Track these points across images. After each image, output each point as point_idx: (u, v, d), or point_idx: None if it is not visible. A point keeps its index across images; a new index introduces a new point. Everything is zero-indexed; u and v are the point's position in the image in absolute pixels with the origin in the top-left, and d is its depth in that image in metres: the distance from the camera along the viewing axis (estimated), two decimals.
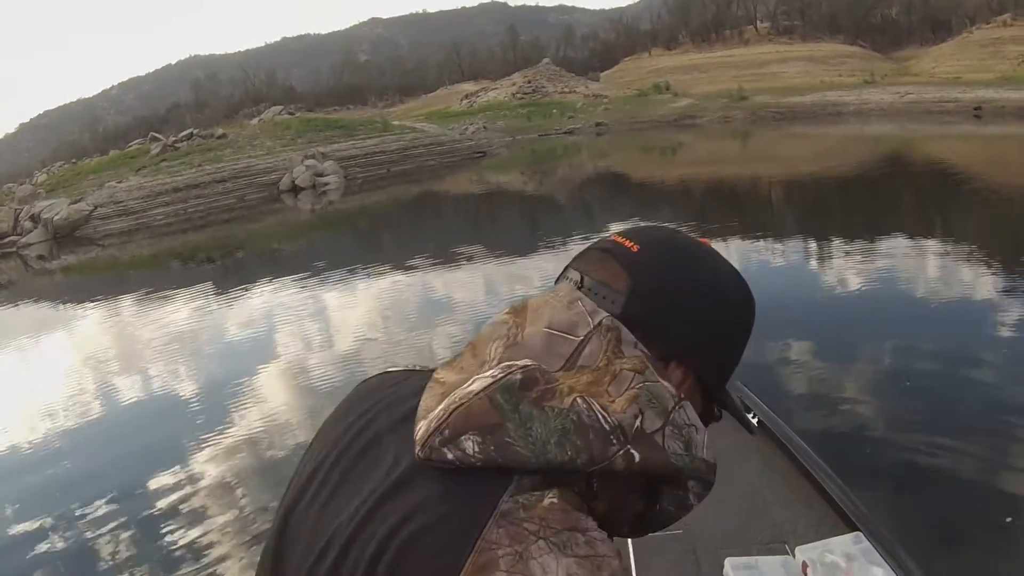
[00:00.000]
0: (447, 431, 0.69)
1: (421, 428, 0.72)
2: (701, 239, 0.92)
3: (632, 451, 0.71)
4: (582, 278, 0.84)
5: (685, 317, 0.83)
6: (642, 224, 0.97)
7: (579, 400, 0.71)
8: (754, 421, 3.44)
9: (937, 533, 3.95)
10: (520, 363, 0.74)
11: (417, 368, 0.94)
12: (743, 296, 0.90)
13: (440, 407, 0.72)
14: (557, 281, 0.91)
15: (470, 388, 0.72)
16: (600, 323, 0.79)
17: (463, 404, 0.71)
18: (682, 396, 0.77)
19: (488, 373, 0.74)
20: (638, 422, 0.72)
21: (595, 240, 0.92)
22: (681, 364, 0.83)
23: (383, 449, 0.78)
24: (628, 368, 0.76)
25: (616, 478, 0.73)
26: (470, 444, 0.68)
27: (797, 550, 2.24)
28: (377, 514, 0.71)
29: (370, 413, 0.85)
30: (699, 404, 0.84)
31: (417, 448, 0.71)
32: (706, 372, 0.85)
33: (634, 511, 0.82)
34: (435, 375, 0.82)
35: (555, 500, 0.68)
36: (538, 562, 0.64)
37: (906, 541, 2.39)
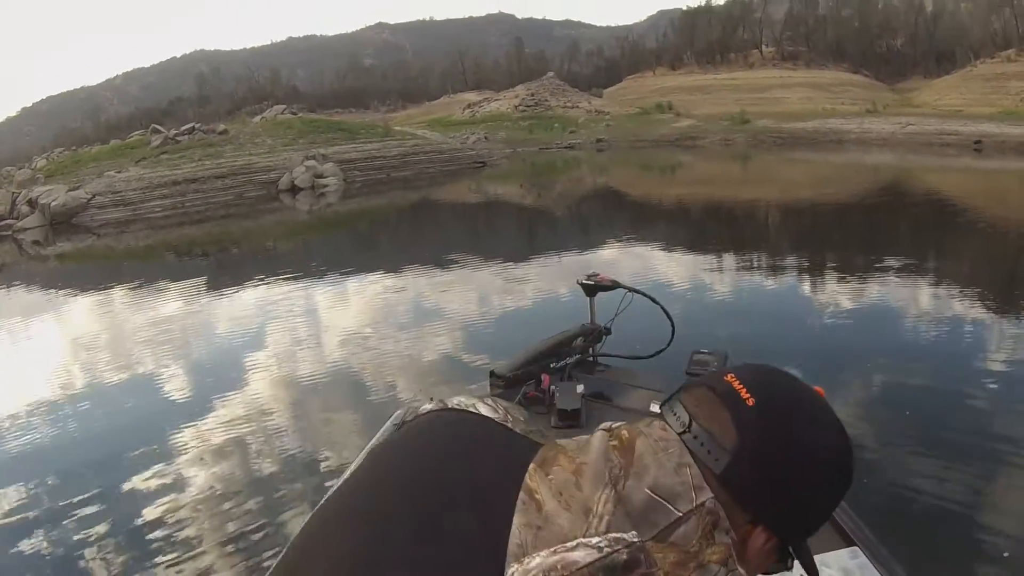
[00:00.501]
0: None
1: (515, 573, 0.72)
2: (816, 388, 0.90)
3: None
4: (691, 422, 0.85)
5: (782, 488, 0.82)
6: (759, 365, 0.94)
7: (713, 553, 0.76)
8: None
9: (933, 550, 3.95)
10: (627, 539, 0.74)
11: (470, 410, 0.97)
12: (842, 462, 0.86)
13: (537, 561, 0.71)
14: (662, 407, 0.94)
15: (574, 556, 0.71)
16: (703, 504, 0.79)
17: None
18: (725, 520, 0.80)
19: (594, 542, 0.73)
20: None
21: (709, 374, 0.91)
22: (767, 529, 0.83)
23: (461, 532, 0.78)
24: (716, 560, 0.77)
25: None
26: None
27: (794, 564, 2.23)
28: None
29: (445, 472, 0.86)
30: (773, 553, 0.87)
31: None
32: (791, 535, 0.86)
33: None
34: (528, 482, 0.81)
35: None
36: None
37: (903, 557, 2.38)
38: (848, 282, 10.88)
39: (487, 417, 0.97)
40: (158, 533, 4.91)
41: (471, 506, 0.80)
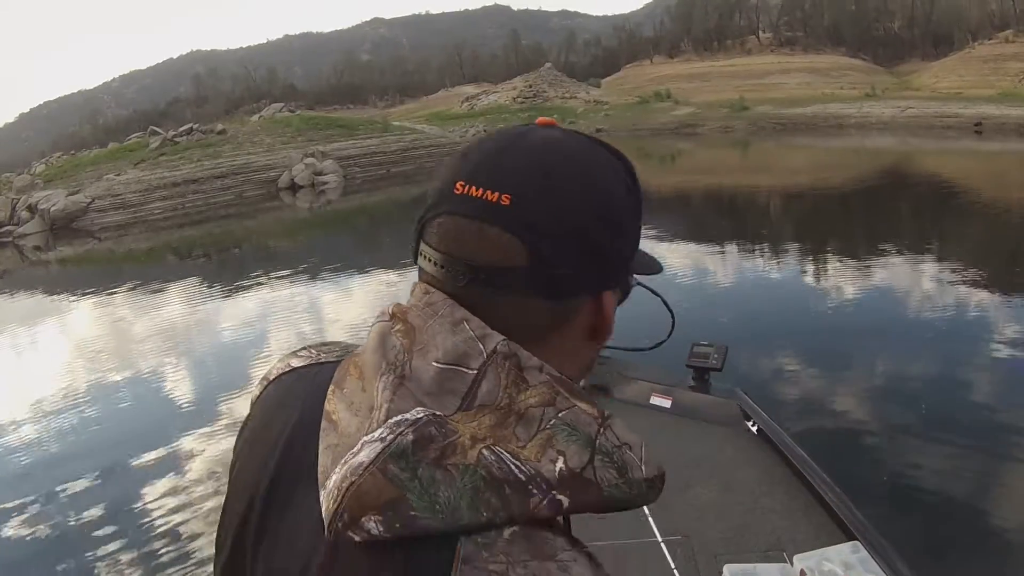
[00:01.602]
0: (345, 515, 0.61)
1: (324, 504, 0.63)
2: (543, 123, 0.79)
3: (559, 496, 0.63)
4: (468, 269, 0.70)
5: (587, 239, 0.70)
6: (483, 143, 0.78)
7: (485, 452, 0.63)
8: (753, 429, 3.45)
9: (934, 544, 3.94)
10: (410, 417, 0.64)
11: (322, 357, 0.87)
12: (620, 177, 0.75)
13: (334, 479, 0.63)
14: (417, 261, 0.78)
15: (359, 458, 0.63)
16: (495, 350, 0.68)
17: (354, 483, 0.61)
18: (606, 415, 0.68)
19: (376, 435, 0.63)
20: (561, 464, 0.64)
21: (431, 196, 0.76)
22: (603, 290, 0.74)
23: (305, 507, 0.70)
24: (535, 403, 0.66)
25: None
26: (373, 525, 0.60)
27: (795, 558, 2.22)
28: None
29: (289, 440, 0.77)
30: (615, 301, 0.77)
31: (326, 531, 0.62)
32: (622, 283, 0.78)
33: None
34: (327, 405, 0.73)
35: (516, 529, 0.62)
36: None
37: (903, 551, 2.38)
38: (850, 271, 10.86)
39: (295, 368, 0.88)
40: (161, 532, 4.92)
41: (309, 477, 0.69)
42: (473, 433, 0.64)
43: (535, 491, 0.62)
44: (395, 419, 0.64)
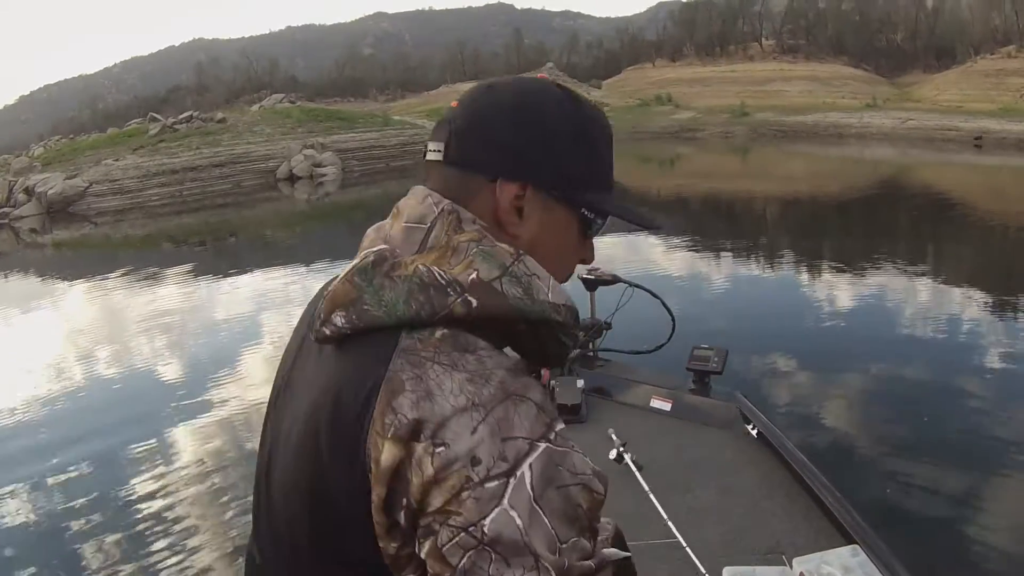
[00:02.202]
0: (322, 314, 0.84)
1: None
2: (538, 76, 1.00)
3: (469, 298, 0.81)
4: (434, 153, 0.96)
5: (493, 134, 0.91)
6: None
7: (421, 267, 0.83)
8: (753, 432, 3.45)
9: (934, 548, 3.95)
10: (373, 251, 0.87)
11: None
12: (555, 98, 0.94)
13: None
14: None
15: (336, 276, 0.87)
16: (443, 209, 0.91)
17: (330, 290, 0.85)
18: (521, 254, 0.88)
19: (353, 266, 0.85)
20: (474, 275, 0.83)
21: None
22: (511, 179, 0.91)
23: (310, 344, 0.94)
24: (465, 239, 0.87)
25: (493, 329, 0.85)
26: (339, 319, 0.82)
27: (795, 561, 2.23)
28: (300, 398, 0.91)
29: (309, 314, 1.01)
30: (574, 229, 0.97)
31: (312, 335, 0.87)
32: (543, 177, 0.92)
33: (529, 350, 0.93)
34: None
35: (446, 331, 0.81)
36: (435, 381, 0.77)
37: (903, 555, 2.38)
38: (850, 277, 10.89)
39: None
40: (151, 520, 4.91)
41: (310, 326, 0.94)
42: (425, 257, 0.86)
43: (451, 292, 0.81)
44: (366, 251, 0.88)
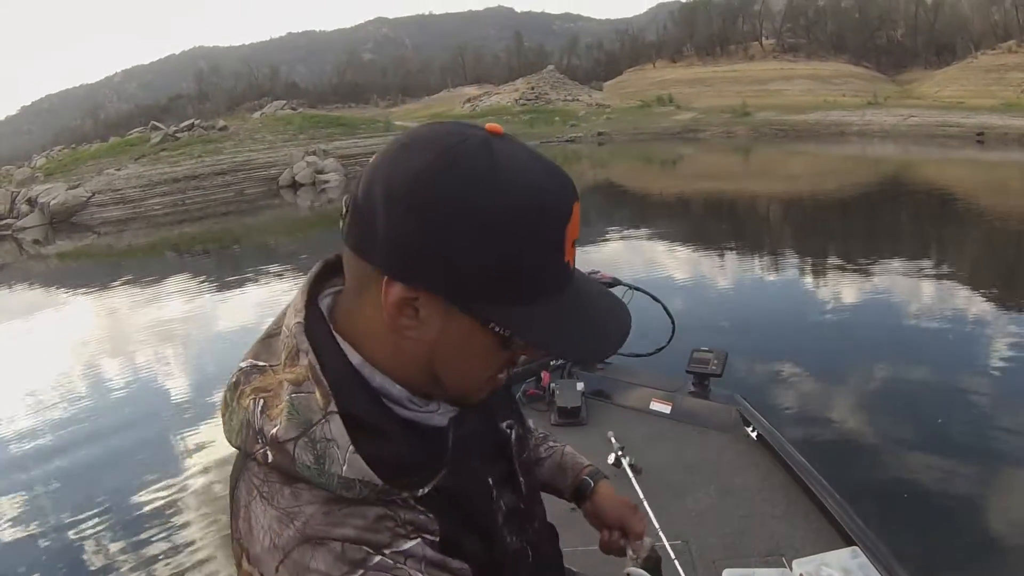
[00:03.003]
0: None
1: None
2: (491, 128, 0.80)
3: (268, 452, 0.79)
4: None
5: (380, 219, 0.75)
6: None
7: (254, 401, 0.81)
8: (753, 435, 3.46)
9: (934, 549, 3.94)
10: (242, 364, 0.87)
11: None
12: (465, 176, 0.73)
13: None
14: None
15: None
16: (289, 329, 0.85)
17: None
18: (332, 411, 0.78)
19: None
20: (275, 429, 0.78)
21: None
22: (398, 278, 0.76)
23: None
24: (290, 378, 0.81)
25: None
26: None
27: (794, 563, 2.23)
28: None
29: None
30: (487, 340, 0.80)
31: None
32: (433, 283, 0.76)
33: None
34: None
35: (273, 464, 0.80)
36: (255, 514, 0.79)
37: (903, 557, 2.38)
38: (850, 278, 10.85)
39: None
40: (158, 530, 4.91)
41: None
42: (265, 384, 0.82)
43: (259, 440, 0.79)
44: (240, 364, 0.87)
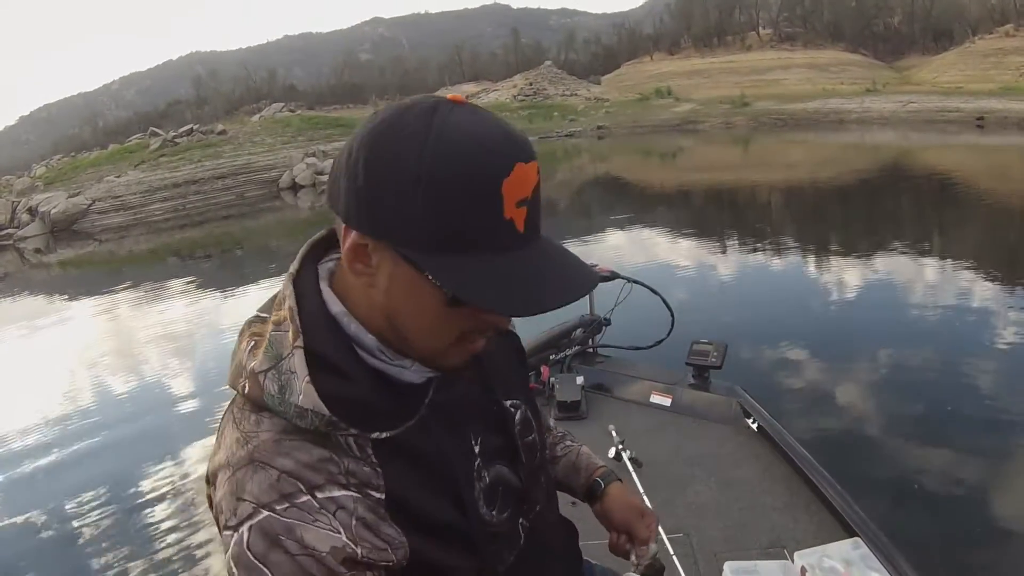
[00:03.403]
0: None
1: None
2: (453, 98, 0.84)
3: (246, 383, 0.88)
4: None
5: (341, 172, 0.83)
6: None
7: (246, 342, 0.92)
8: (753, 427, 3.44)
9: (936, 540, 3.93)
10: (249, 316, 0.97)
11: None
12: (409, 132, 0.79)
13: None
14: None
15: None
16: (289, 273, 0.95)
17: None
18: (297, 345, 0.86)
19: None
20: (253, 363, 0.87)
21: None
22: (352, 225, 0.83)
23: None
24: (274, 320, 0.90)
25: None
26: None
27: (796, 555, 2.21)
28: None
29: None
30: (431, 294, 0.83)
31: None
32: (375, 229, 0.82)
33: None
34: None
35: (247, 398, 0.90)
36: (225, 435, 0.89)
37: (905, 548, 2.37)
38: (851, 267, 10.83)
39: None
40: (164, 535, 4.91)
41: None
42: (260, 331, 0.93)
43: (242, 374, 0.89)
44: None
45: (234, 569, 0.83)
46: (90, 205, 29.58)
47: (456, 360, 0.94)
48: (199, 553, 4.69)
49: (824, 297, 9.51)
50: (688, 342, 3.91)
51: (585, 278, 0.88)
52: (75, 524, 5.27)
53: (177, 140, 37.69)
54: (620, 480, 1.44)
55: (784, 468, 3.13)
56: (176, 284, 15.23)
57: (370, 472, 0.88)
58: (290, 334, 0.87)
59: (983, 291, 9.10)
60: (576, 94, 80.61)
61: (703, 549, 2.68)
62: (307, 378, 0.84)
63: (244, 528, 0.82)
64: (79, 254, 24.18)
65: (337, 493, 0.85)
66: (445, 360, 0.93)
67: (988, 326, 7.67)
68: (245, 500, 0.83)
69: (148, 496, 5.60)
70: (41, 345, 12.09)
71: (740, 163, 33.64)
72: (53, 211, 28.58)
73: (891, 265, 10.63)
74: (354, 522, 0.85)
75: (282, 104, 63.86)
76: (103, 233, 27.19)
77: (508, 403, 1.13)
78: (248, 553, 0.81)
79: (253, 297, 13.12)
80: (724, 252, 12.71)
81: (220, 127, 41.47)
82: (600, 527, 1.41)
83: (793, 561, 2.23)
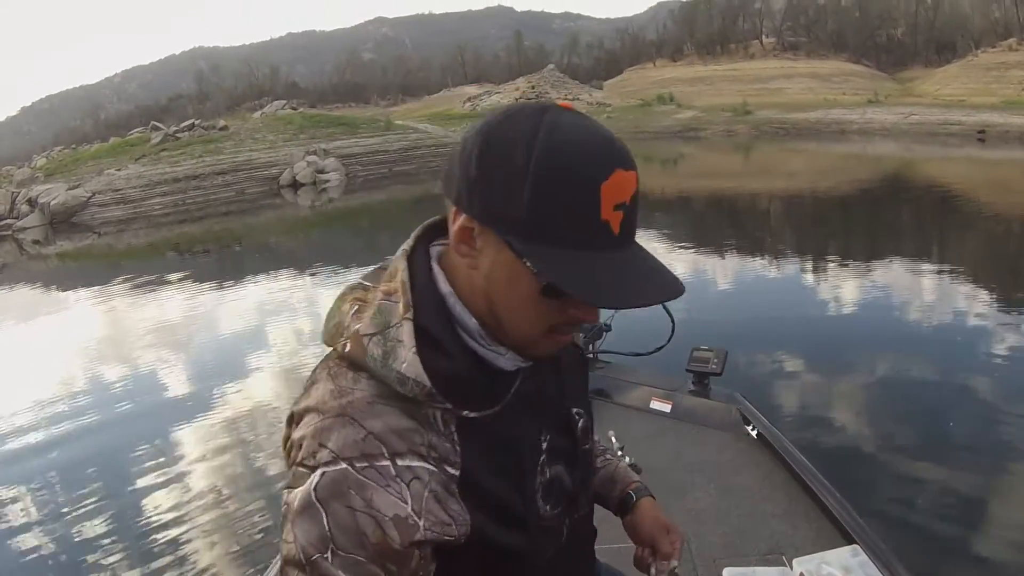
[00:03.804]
0: None
1: None
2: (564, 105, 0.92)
3: (347, 343, 0.95)
4: None
5: (457, 161, 0.91)
6: None
7: (350, 305, 1.00)
8: (753, 434, 3.45)
9: (934, 548, 3.94)
10: (352, 282, 1.04)
11: None
12: (519, 131, 0.86)
13: None
14: None
15: None
16: (401, 251, 1.01)
17: None
18: (407, 318, 0.93)
19: None
20: (358, 326, 0.95)
21: None
22: (462, 209, 0.90)
23: None
24: (383, 291, 0.97)
25: None
26: None
27: (795, 562, 2.22)
28: None
29: None
30: (526, 280, 0.89)
31: None
32: (482, 214, 0.88)
33: None
34: None
35: (345, 356, 0.96)
36: (315, 386, 0.96)
37: (903, 555, 2.38)
38: (851, 277, 10.85)
39: None
40: (161, 530, 4.91)
41: None
42: (364, 296, 1.00)
43: (343, 334, 0.96)
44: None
45: (293, 503, 0.89)
46: (90, 198, 29.52)
47: (545, 350, 0.99)
48: (188, 544, 4.70)
49: (824, 306, 9.53)
50: (688, 349, 3.91)
51: (672, 284, 0.92)
52: (66, 518, 5.26)
53: (178, 135, 37.63)
54: (653, 496, 1.49)
55: (783, 475, 3.14)
56: (174, 279, 15.21)
57: (450, 448, 0.94)
58: (400, 306, 0.94)
59: (982, 302, 9.13)
60: (578, 98, 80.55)
61: (702, 555, 2.69)
62: (414, 349, 0.91)
63: (318, 472, 0.88)
64: (78, 246, 24.15)
65: (416, 463, 0.91)
66: (536, 349, 0.98)
67: (987, 337, 7.69)
68: (327, 448, 0.89)
69: (141, 486, 5.61)
70: (37, 336, 12.08)
71: (741, 171, 33.69)
72: (53, 203, 28.52)
73: (891, 275, 10.65)
74: (426, 493, 0.91)
75: (284, 101, 63.78)
76: (102, 226, 27.15)
77: (574, 410, 1.20)
78: (313, 494, 0.88)
79: (249, 293, 13.15)
80: (725, 259, 12.72)
81: (222, 123, 41.40)
82: (606, 531, 1.43)
83: (792, 568, 2.24)
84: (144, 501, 5.40)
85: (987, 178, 26.01)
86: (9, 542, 5.04)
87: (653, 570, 1.37)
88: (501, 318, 0.95)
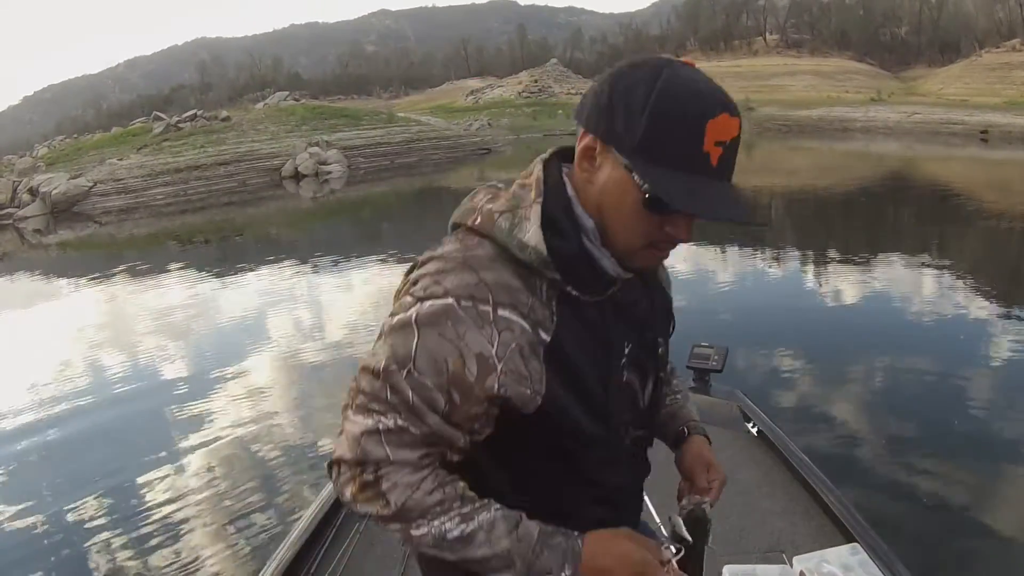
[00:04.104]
0: None
1: None
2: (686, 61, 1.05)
3: (479, 217, 1.09)
4: None
5: (592, 93, 1.06)
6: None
7: (484, 193, 1.15)
8: (753, 431, 3.45)
9: (934, 546, 3.93)
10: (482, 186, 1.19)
11: None
12: (647, 72, 1.00)
13: None
14: None
15: None
16: (540, 159, 1.15)
17: None
18: (537, 202, 1.08)
19: None
20: (492, 205, 1.10)
21: None
22: (588, 130, 1.05)
23: None
24: (519, 183, 1.13)
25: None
26: None
27: (795, 560, 2.22)
28: None
29: None
30: (633, 195, 1.03)
31: None
32: (605, 134, 1.03)
33: None
34: None
35: (470, 228, 1.11)
36: (445, 244, 1.11)
37: (903, 553, 2.38)
38: (852, 274, 10.83)
39: None
40: (161, 523, 4.90)
41: None
42: (497, 192, 1.15)
43: (475, 211, 1.11)
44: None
45: (392, 320, 1.07)
46: (91, 187, 29.48)
47: (644, 262, 1.12)
48: (188, 535, 4.70)
49: (825, 304, 9.52)
50: (689, 345, 3.91)
51: (753, 215, 1.12)
52: (67, 511, 5.24)
53: (180, 125, 37.58)
54: (707, 437, 1.55)
55: (783, 473, 3.13)
56: (175, 269, 15.20)
57: (547, 316, 1.07)
58: (532, 193, 1.09)
59: (982, 302, 9.12)
60: (581, 93, 79.45)
61: None
62: (539, 223, 1.05)
63: (427, 302, 1.03)
64: (79, 236, 24.10)
65: (515, 317, 1.04)
66: (635, 260, 1.11)
67: (987, 336, 7.69)
68: (441, 285, 1.03)
69: (141, 479, 5.59)
70: (37, 324, 12.06)
71: (743, 167, 33.14)
72: (54, 192, 28.47)
73: (892, 273, 10.65)
74: (513, 345, 1.04)
75: (287, 93, 63.61)
76: (103, 215, 27.11)
77: (659, 337, 1.33)
78: (413, 316, 1.04)
79: (251, 283, 13.14)
80: (726, 256, 12.69)
81: (224, 113, 41.35)
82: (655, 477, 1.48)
83: (792, 566, 2.24)
84: (143, 490, 5.39)
85: (989, 178, 25.96)
86: (9, 531, 5.04)
87: (685, 500, 1.41)
88: (608, 227, 1.08)
